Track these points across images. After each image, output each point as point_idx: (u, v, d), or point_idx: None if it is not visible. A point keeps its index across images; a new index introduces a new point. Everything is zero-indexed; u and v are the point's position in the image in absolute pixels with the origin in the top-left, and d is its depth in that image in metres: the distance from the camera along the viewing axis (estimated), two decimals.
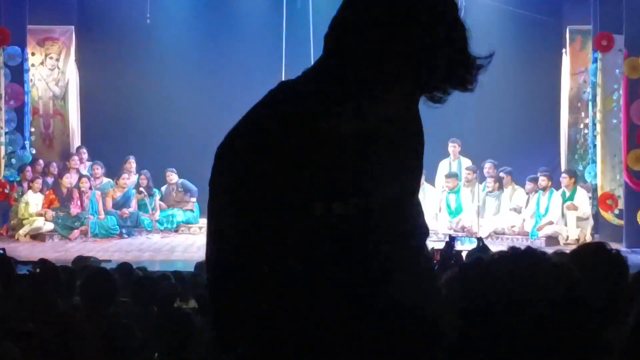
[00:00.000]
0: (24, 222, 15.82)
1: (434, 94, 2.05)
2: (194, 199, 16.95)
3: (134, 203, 16.56)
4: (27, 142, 16.69)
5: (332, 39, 2.07)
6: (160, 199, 17.05)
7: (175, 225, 16.59)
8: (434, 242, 14.08)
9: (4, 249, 9.79)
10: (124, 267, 8.33)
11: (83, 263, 9.29)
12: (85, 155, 17.27)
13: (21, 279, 5.85)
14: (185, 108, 18.27)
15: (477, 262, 1.92)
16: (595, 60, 15.82)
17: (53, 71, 17.55)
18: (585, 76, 16.59)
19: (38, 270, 7.00)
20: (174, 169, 17.13)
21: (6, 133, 16.09)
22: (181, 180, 17.09)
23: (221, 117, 17.76)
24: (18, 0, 16.45)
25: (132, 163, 17.15)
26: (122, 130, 18.10)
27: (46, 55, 17.51)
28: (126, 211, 16.27)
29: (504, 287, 1.80)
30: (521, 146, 17.47)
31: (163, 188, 17.29)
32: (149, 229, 16.33)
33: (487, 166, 16.41)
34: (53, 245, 15.37)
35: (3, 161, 16.05)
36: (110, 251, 14.44)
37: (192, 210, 16.91)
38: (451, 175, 16.33)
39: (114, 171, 16.98)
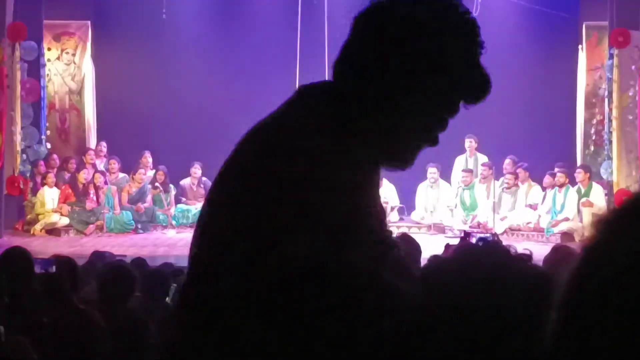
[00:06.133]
0: (40, 217, 15.83)
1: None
2: None
3: (149, 198, 16.57)
4: (43, 137, 16.74)
5: (343, 70, 2.10)
6: (181, 192, 17.10)
7: (190, 221, 16.61)
8: (449, 238, 14.10)
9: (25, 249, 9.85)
10: (138, 262, 8.35)
11: (100, 258, 9.30)
12: (104, 151, 17.32)
13: (37, 274, 5.87)
14: (201, 102, 18.29)
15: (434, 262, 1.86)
16: (611, 57, 15.76)
17: (69, 66, 17.59)
18: (602, 72, 16.53)
19: (54, 266, 7.03)
20: (200, 164, 17.10)
21: (22, 127, 16.11)
22: (204, 178, 17.08)
23: (237, 110, 17.82)
24: None
25: (147, 158, 17.17)
26: (138, 125, 18.13)
27: (62, 50, 17.55)
28: (141, 206, 16.28)
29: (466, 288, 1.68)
30: (537, 142, 17.42)
31: (185, 181, 17.29)
32: (164, 224, 16.34)
33: (507, 162, 16.38)
34: (68, 240, 15.39)
35: (19, 156, 16.07)
36: (125, 246, 14.42)
37: None
38: (467, 170, 16.29)
39: (130, 166, 17.00)
